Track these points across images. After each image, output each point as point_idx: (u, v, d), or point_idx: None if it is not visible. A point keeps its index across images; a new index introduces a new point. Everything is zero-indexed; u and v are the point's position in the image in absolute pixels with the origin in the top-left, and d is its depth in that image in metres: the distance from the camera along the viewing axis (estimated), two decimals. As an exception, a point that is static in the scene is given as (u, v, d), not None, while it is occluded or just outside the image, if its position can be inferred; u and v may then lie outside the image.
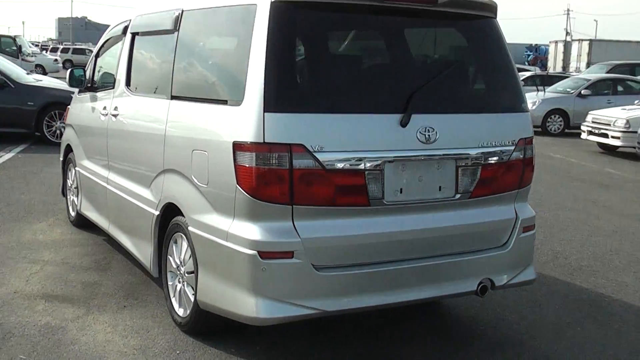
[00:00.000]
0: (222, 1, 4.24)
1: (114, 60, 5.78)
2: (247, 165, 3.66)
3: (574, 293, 5.49)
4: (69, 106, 7.12)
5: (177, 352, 4.22)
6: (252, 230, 3.68)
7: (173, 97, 4.52)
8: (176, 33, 4.61)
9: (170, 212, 4.57)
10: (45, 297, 5.02)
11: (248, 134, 3.65)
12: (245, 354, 4.20)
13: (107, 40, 6.27)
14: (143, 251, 4.95)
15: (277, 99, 3.63)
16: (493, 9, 4.22)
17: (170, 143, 4.46)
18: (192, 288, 4.33)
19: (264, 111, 3.61)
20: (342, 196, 3.77)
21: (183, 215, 4.36)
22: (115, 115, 5.46)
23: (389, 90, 3.95)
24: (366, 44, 4.18)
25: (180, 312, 4.51)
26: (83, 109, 6.42)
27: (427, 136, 3.88)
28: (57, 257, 5.96)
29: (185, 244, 4.37)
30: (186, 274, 4.38)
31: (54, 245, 6.31)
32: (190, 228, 4.17)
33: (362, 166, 3.76)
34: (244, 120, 3.68)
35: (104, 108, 5.73)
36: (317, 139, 3.66)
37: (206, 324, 4.32)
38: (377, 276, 3.85)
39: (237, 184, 3.71)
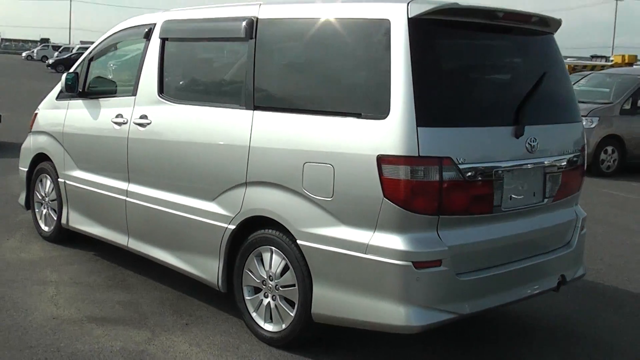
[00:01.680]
0: (323, 12, 4.23)
1: (126, 66, 5.46)
2: (398, 178, 3.73)
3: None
4: (36, 112, 6.54)
5: (287, 367, 4.17)
6: (402, 242, 3.76)
7: (257, 108, 4.41)
8: (251, 41, 4.50)
9: (247, 226, 4.49)
10: (93, 321, 4.66)
11: (400, 148, 3.71)
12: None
13: (108, 45, 5.88)
14: (204, 267, 4.76)
15: (428, 113, 3.74)
16: (558, 26, 4.61)
17: (258, 155, 4.35)
18: (287, 302, 4.29)
19: (417, 125, 3.70)
20: (474, 205, 3.97)
21: (273, 229, 4.31)
22: (142, 125, 5.17)
23: (504, 104, 4.20)
24: (483, 59, 4.37)
25: (269, 327, 4.42)
26: (73, 116, 5.96)
27: (532, 146, 4.18)
28: (64, 277, 5.51)
29: (278, 258, 4.31)
30: (280, 288, 4.32)
31: (47, 264, 5.80)
32: (299, 242, 4.12)
33: (490, 176, 3.98)
34: (392, 134, 3.74)
35: (119, 116, 5.39)
36: (459, 152, 3.82)
37: (306, 337, 4.29)
38: (500, 277, 4.10)
39: (385, 196, 3.76)
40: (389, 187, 3.76)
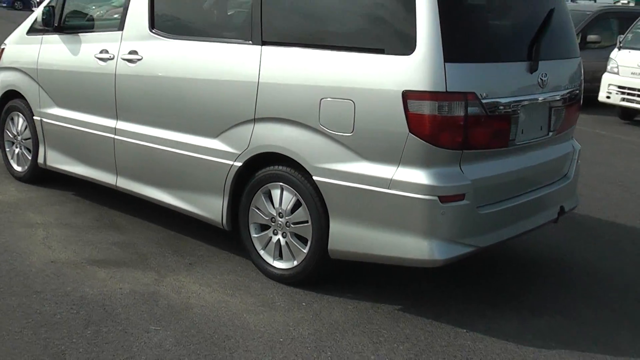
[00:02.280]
0: None
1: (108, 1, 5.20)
2: (425, 113, 3.70)
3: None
4: (2, 47, 6.17)
5: (303, 303, 4.16)
6: (427, 176, 3.76)
7: (265, 43, 4.27)
8: None
9: (254, 163, 4.41)
10: (94, 263, 4.54)
11: (427, 84, 3.68)
12: (366, 295, 4.26)
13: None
14: (206, 205, 4.66)
15: (454, 49, 3.71)
16: None
17: (268, 91, 4.24)
18: (298, 238, 4.28)
19: (445, 61, 3.67)
20: (494, 139, 4.00)
21: (284, 165, 4.25)
22: (131, 61, 4.95)
23: (519, 40, 4.20)
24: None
25: (279, 264, 4.41)
26: (49, 52, 5.65)
27: (543, 81, 4.22)
28: (49, 219, 5.32)
29: (289, 195, 4.27)
30: (292, 225, 4.29)
31: (27, 205, 5.59)
32: (315, 178, 4.08)
33: (509, 110, 4.01)
34: (419, 70, 3.69)
35: (103, 52, 5.14)
36: (481, 87, 3.82)
37: (319, 274, 4.30)
38: (514, 209, 4.18)
39: (410, 131, 3.74)
40: (414, 122, 3.74)
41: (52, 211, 5.50)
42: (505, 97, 3.98)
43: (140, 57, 4.92)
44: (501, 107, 3.96)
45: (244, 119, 4.38)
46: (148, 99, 4.94)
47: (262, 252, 4.49)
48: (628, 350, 3.84)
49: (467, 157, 3.87)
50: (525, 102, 4.13)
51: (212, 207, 4.66)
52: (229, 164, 4.49)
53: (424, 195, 3.76)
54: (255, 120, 4.33)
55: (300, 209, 4.25)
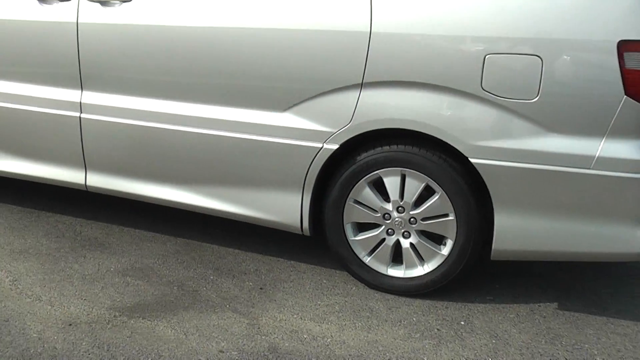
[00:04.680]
0: None
1: None
2: None
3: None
4: None
5: (462, 322, 3.14)
6: None
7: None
8: None
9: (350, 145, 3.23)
10: (133, 314, 3.05)
11: None
12: (508, 298, 3.39)
13: None
14: (272, 205, 3.36)
15: None
16: None
17: (388, 45, 3.00)
18: (427, 237, 3.26)
19: None
20: None
21: (410, 144, 3.14)
22: (106, 2, 3.32)
23: None
24: None
25: (396, 272, 3.34)
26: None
27: None
28: (5, 253, 3.57)
29: (415, 182, 3.17)
30: (421, 221, 3.23)
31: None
32: (474, 160, 3.02)
33: None
34: None
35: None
36: None
37: (456, 280, 3.32)
38: None
39: (627, 93, 2.85)
40: (633, 82, 2.86)
41: (5, 239, 3.71)
42: None
43: (126, -1, 3.31)
44: None
45: (343, 84, 3.12)
46: (148, 59, 3.37)
47: (367, 260, 3.37)
48: None
49: None
50: None
51: (282, 207, 3.38)
52: (315, 147, 3.23)
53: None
54: (362, 85, 3.10)
55: (434, 199, 3.19)
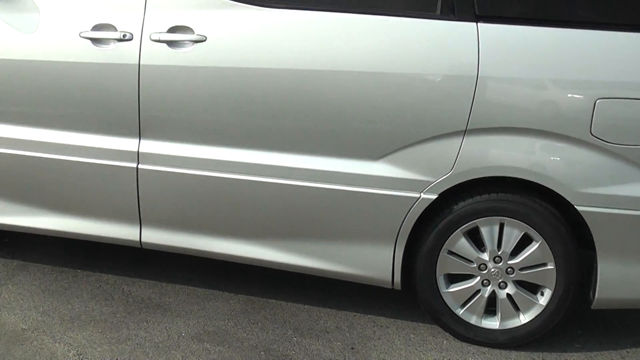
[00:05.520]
0: None
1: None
2: None
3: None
4: None
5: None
6: None
7: (482, 18, 2.90)
8: None
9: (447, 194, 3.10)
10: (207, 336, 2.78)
11: None
12: (598, 344, 3.35)
13: None
14: (360, 259, 3.17)
15: None
16: None
17: (495, 89, 2.90)
18: (523, 287, 3.16)
19: None
20: None
21: (510, 192, 3.05)
22: (177, 43, 3.04)
23: None
24: None
25: (490, 324, 3.22)
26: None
27: None
28: (60, 320, 3.15)
29: (513, 231, 3.07)
30: (519, 271, 3.12)
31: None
32: (580, 207, 2.96)
33: None
34: None
35: (100, 28, 3.09)
36: None
37: (547, 329, 3.23)
38: None
39: None
40: None
41: (54, 305, 3.31)
42: None
43: (199, 38, 3.04)
44: None
45: (445, 131, 2.99)
46: (215, 105, 3.11)
47: (460, 312, 3.23)
48: None
49: None
50: None
51: (372, 261, 3.19)
52: (412, 197, 3.07)
53: None
54: (466, 132, 2.98)
55: (533, 248, 3.10)
